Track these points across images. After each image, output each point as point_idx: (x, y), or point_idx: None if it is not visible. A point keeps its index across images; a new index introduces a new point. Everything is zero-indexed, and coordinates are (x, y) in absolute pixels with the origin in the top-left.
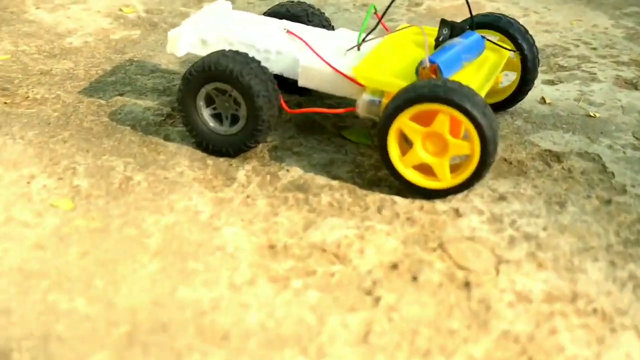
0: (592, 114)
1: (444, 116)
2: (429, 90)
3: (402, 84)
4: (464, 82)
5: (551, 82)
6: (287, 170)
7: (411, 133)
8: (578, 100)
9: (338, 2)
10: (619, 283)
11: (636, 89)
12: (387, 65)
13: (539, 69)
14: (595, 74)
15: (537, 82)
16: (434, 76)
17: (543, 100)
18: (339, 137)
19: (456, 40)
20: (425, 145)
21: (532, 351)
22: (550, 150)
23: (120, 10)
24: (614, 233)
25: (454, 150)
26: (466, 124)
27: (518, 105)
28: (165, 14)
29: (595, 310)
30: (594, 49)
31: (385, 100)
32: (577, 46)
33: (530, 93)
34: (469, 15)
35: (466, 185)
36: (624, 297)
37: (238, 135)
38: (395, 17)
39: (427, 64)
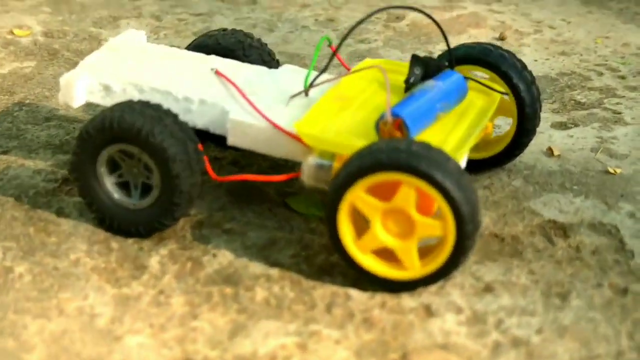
0: (612, 170)
1: (408, 188)
2: (388, 155)
3: (358, 144)
4: (439, 139)
5: (563, 126)
6: (214, 255)
7: (368, 209)
8: (596, 151)
9: (295, 17)
10: None
11: None
12: (341, 119)
13: (550, 106)
14: (620, 113)
15: (545, 125)
16: (398, 134)
17: (550, 152)
18: (284, 208)
19: (430, 83)
20: (387, 225)
21: None
22: (555, 221)
23: (12, 33)
24: (627, 335)
25: (422, 231)
26: (436, 199)
27: (518, 159)
28: (70, 37)
29: None
30: (623, 77)
31: (337, 165)
32: (601, 74)
33: (534, 142)
34: (447, 49)
35: (440, 274)
36: None
37: (151, 210)
38: (369, 36)
39: (389, 119)
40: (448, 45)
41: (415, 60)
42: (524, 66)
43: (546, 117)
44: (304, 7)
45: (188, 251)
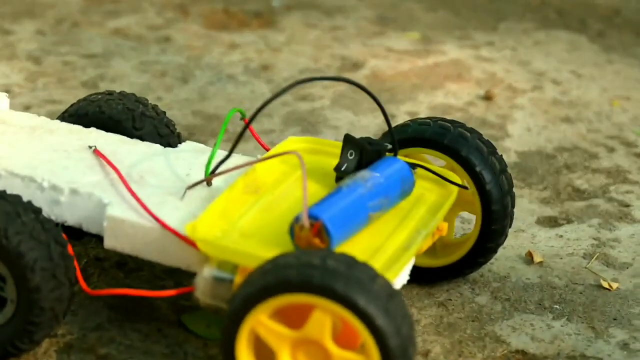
0: (606, 285)
1: (323, 314)
2: (297, 272)
3: (265, 254)
4: (370, 249)
5: (552, 222)
6: None
7: (273, 339)
8: (589, 258)
9: (219, 61)
10: None
11: None
12: (250, 219)
13: (540, 194)
14: (629, 205)
15: (529, 221)
16: (317, 242)
17: (530, 258)
18: (178, 327)
19: (364, 175)
20: (297, 358)
21: None
22: (524, 352)
23: None
24: None
25: None
26: (358, 328)
27: (487, 267)
28: None
29: None
30: None
31: (239, 279)
32: (612, 150)
33: (511, 243)
34: (388, 129)
35: None
36: None
37: (3, 330)
38: (312, 91)
39: (306, 222)
40: (388, 123)
41: (348, 142)
42: (492, 150)
43: (532, 209)
44: (232, 48)
45: None
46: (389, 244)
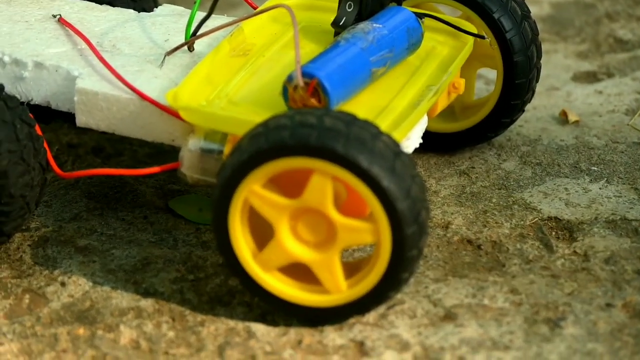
0: None
1: (322, 178)
2: (291, 133)
3: (256, 118)
4: (374, 108)
5: (591, 77)
6: (63, 284)
7: (269, 210)
8: (633, 114)
9: None
10: None
11: None
12: (238, 83)
13: (576, 48)
14: None
15: (564, 77)
16: (314, 102)
17: (565, 117)
18: (166, 213)
19: (364, 27)
20: (298, 231)
21: None
22: (557, 219)
23: None
24: None
25: (346, 239)
26: (363, 192)
27: (514, 129)
28: None
29: None
30: None
31: (228, 150)
32: None
33: (541, 102)
34: None
35: (375, 298)
36: None
37: None
38: None
39: (300, 80)
40: None
41: None
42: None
43: (566, 64)
44: None
45: (26, 280)
46: (397, 102)
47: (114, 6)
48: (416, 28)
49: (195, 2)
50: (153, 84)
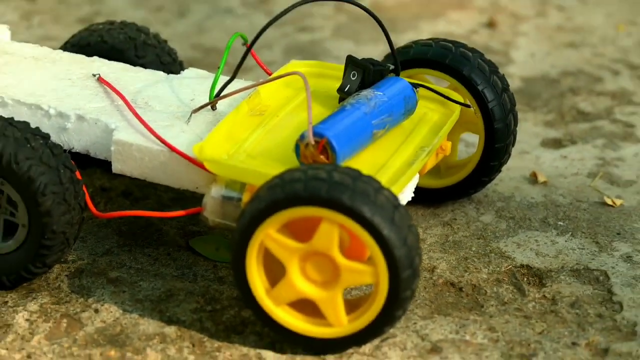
0: (610, 202)
1: (330, 226)
2: (305, 186)
3: (272, 171)
4: (374, 165)
5: (557, 144)
6: (96, 311)
7: (282, 252)
8: (593, 177)
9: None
10: None
11: None
12: (255, 139)
13: (544, 117)
14: (633, 126)
15: (534, 143)
16: (322, 159)
17: (534, 178)
18: (187, 251)
19: (367, 94)
20: (306, 271)
21: None
22: (529, 267)
23: None
24: None
25: (349, 279)
26: (364, 239)
27: (491, 187)
28: None
29: None
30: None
31: (246, 198)
32: (617, 73)
33: (515, 164)
34: (390, 51)
35: (372, 331)
36: None
37: (16, 255)
38: (313, 22)
39: (311, 139)
40: (391, 44)
41: (350, 62)
42: (494, 69)
43: (536, 132)
44: None
45: (64, 306)
46: (394, 160)
47: (145, 68)
48: (411, 96)
49: (218, 68)
50: (181, 138)
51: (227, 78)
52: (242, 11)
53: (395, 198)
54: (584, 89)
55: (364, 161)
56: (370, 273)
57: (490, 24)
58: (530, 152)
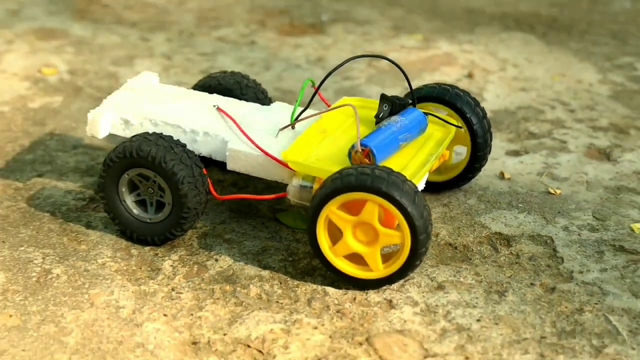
0: (552, 191)
1: (373, 205)
2: (356, 178)
3: (333, 169)
4: (401, 165)
5: (516, 153)
6: (216, 260)
7: (340, 222)
8: (541, 175)
9: (289, 56)
10: None
11: (608, 159)
12: (321, 148)
13: (499, 138)
14: (566, 142)
15: (500, 152)
16: (366, 161)
17: (502, 175)
18: (274, 222)
19: (395, 118)
20: (356, 235)
21: None
22: (500, 233)
23: (40, 71)
24: (550, 324)
25: (384, 240)
26: (395, 213)
27: (474, 181)
28: (91, 75)
29: None
30: (572, 111)
31: (316, 186)
32: (554, 108)
33: (489, 166)
34: (409, 91)
35: (399, 275)
36: None
37: (164, 223)
38: (352, 74)
39: (359, 148)
40: (410, 87)
41: (383, 98)
42: (477, 103)
43: (502, 145)
44: (296, 47)
45: (194, 257)
46: (413, 163)
47: (248, 102)
48: (423, 120)
49: (296, 101)
50: (272, 147)
51: (302, 108)
52: (306, 66)
53: (415, 187)
54: (532, 118)
55: (394, 163)
56: (398, 236)
57: (469, 75)
58: (498, 159)
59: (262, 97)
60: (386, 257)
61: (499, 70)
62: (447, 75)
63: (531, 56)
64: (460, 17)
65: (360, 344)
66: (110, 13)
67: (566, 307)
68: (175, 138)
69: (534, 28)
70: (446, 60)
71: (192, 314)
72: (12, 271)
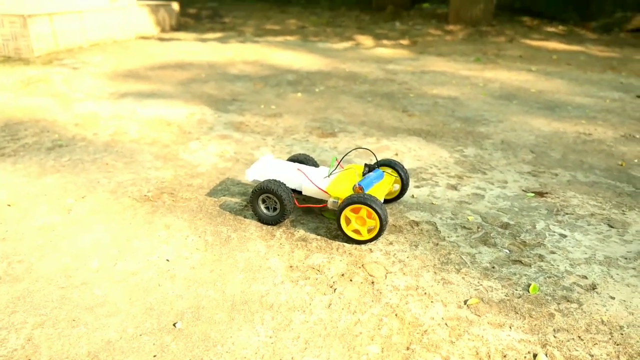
0: (434, 202)
1: (364, 210)
2: (357, 198)
3: (346, 195)
4: (375, 192)
5: (417, 187)
6: (298, 231)
7: (350, 217)
8: (428, 196)
9: (323, 146)
10: None
11: (455, 189)
12: (341, 185)
13: (411, 180)
14: (437, 182)
15: (411, 187)
16: (360, 191)
17: (412, 196)
18: (322, 216)
19: (371, 174)
20: (357, 222)
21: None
22: (414, 220)
23: (221, 154)
24: (434, 260)
25: (369, 224)
26: (373, 213)
27: (402, 199)
28: (243, 154)
29: None
30: (439, 169)
31: (340, 201)
32: (431, 167)
33: (408, 193)
34: (375, 161)
35: (374, 239)
36: None
37: (276, 217)
38: (350, 155)
39: (357, 186)
40: (377, 159)
41: (366, 165)
42: (402, 167)
43: (413, 183)
44: (325, 142)
45: (289, 230)
46: (379, 191)
47: (307, 165)
48: (382, 174)
49: (329, 166)
50: (321, 184)
51: (332, 169)
52: (329, 150)
53: (382, 202)
54: (423, 172)
55: (372, 192)
56: (375, 223)
57: (396, 154)
58: (410, 189)
59: (315, 164)
60: (369, 231)
61: (409, 151)
62: (388, 154)
63: (420, 146)
64: (391, 130)
65: (359, 267)
66: (248, 130)
67: (442, 253)
68: (281, 181)
69: (420, 134)
70: (386, 148)
71: (289, 253)
72: (214, 236)
